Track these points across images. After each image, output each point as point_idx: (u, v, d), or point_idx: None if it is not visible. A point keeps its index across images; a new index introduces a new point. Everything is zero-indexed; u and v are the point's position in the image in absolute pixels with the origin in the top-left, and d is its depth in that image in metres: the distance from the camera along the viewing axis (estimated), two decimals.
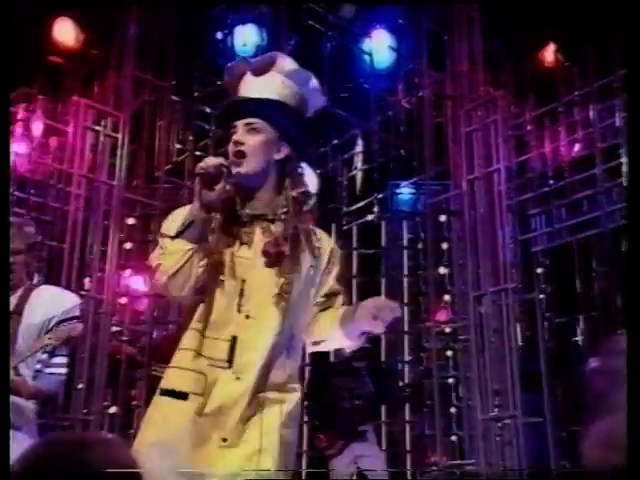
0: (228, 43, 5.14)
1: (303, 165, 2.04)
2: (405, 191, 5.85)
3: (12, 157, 4.30)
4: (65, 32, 4.86)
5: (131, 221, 5.05)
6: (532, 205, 4.99)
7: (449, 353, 5.14)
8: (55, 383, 2.75)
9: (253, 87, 2.00)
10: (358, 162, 5.87)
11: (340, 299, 2.05)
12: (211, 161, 1.86)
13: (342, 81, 5.19)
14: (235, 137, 1.93)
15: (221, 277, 1.86)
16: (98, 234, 4.53)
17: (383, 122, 5.52)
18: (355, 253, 6.07)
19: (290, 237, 1.89)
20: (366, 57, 5.26)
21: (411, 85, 5.37)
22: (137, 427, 4.40)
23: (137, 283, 5.29)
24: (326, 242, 2.05)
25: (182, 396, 1.82)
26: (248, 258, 1.88)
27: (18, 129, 4.55)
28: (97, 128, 4.65)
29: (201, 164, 1.84)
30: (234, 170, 1.89)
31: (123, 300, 4.98)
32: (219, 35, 5.22)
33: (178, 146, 5.40)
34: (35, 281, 3.15)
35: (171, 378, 1.88)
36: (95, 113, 4.67)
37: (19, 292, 2.71)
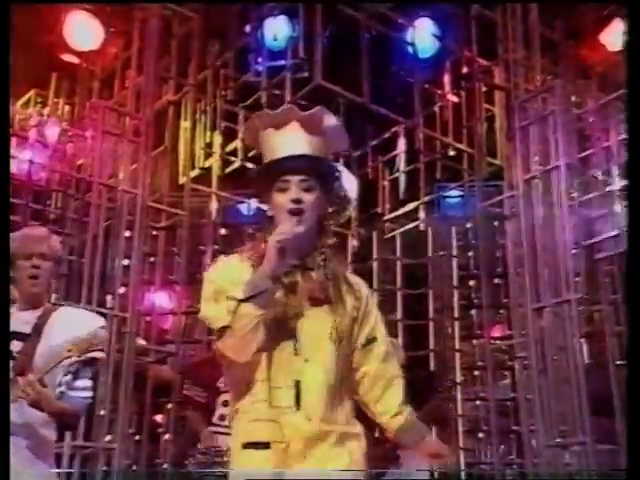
0: (258, 37, 5.16)
1: (341, 168, 2.16)
2: (454, 194, 5.86)
3: (26, 165, 4.34)
4: (80, 28, 4.91)
5: (155, 232, 5.07)
6: (597, 206, 4.86)
7: (506, 373, 5.10)
8: (80, 404, 2.75)
9: (304, 142, 2.16)
10: (401, 163, 5.86)
11: (380, 347, 2.22)
12: (286, 230, 2.03)
13: (382, 74, 5.23)
14: (292, 195, 2.10)
15: (276, 328, 2.06)
16: (120, 247, 4.56)
17: (428, 118, 5.50)
18: (399, 263, 6.06)
19: (332, 280, 2.12)
20: (408, 47, 5.25)
21: (458, 76, 5.38)
22: (163, 455, 4.54)
23: (162, 299, 5.33)
24: (363, 286, 2.26)
25: (265, 446, 2.03)
26: (296, 306, 2.10)
27: (32, 135, 4.58)
28: (117, 132, 4.69)
29: (279, 237, 2.02)
30: (295, 229, 2.07)
31: (148, 318, 5.01)
32: (247, 28, 5.24)
33: (205, 150, 5.45)
34: (53, 299, 3.17)
35: (251, 431, 2.07)
36: (115, 116, 4.74)
37: (38, 312, 2.71)
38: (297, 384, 2.05)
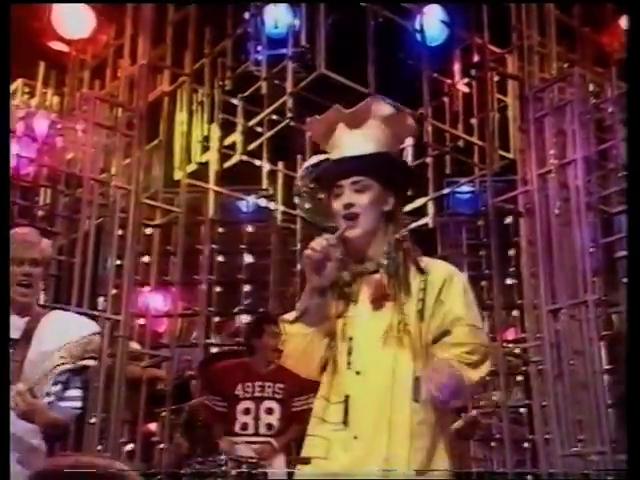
0: (257, 24, 5.14)
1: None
2: (464, 190, 5.83)
3: (13, 160, 4.32)
4: (70, 14, 4.91)
5: (149, 231, 5.07)
6: (616, 202, 4.81)
7: (520, 378, 5.07)
8: (70, 414, 2.76)
9: (353, 142, 2.14)
10: (408, 156, 5.75)
11: (456, 334, 2.06)
12: (317, 245, 2.03)
13: (388, 63, 5.18)
14: (344, 199, 2.10)
15: (334, 342, 2.10)
16: (112, 246, 4.56)
17: (437, 109, 5.46)
18: None
19: (395, 275, 2.07)
20: (416, 34, 5.22)
21: (469, 65, 5.36)
22: (158, 465, 4.54)
23: (157, 301, 5.35)
24: (435, 270, 2.14)
25: (305, 461, 2.09)
26: (355, 316, 2.10)
27: (19, 128, 4.57)
28: (109, 125, 4.69)
29: (308, 251, 2.04)
30: (348, 234, 2.08)
31: (142, 321, 5.02)
32: (246, 15, 5.21)
33: (202, 143, 5.43)
34: (42, 300, 3.17)
35: (305, 447, 2.13)
36: (107, 108, 4.74)
37: (27, 317, 2.69)
38: (346, 399, 2.05)
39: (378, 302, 2.08)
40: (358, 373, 2.05)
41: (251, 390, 3.99)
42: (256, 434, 3.98)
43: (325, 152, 2.24)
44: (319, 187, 2.20)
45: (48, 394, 2.63)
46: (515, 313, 5.25)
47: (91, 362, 2.69)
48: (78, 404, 2.76)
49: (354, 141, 2.14)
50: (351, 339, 2.08)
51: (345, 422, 2.04)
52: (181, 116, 5.23)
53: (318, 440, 2.08)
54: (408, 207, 5.77)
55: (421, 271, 2.10)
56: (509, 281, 5.20)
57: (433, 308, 2.07)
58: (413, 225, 5.85)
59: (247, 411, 3.97)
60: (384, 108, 2.15)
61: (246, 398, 3.98)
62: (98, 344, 2.73)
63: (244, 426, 3.96)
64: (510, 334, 5.33)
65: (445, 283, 2.11)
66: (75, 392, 2.74)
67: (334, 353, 2.10)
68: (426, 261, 2.16)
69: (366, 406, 2.04)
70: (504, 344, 5.03)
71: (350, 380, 2.06)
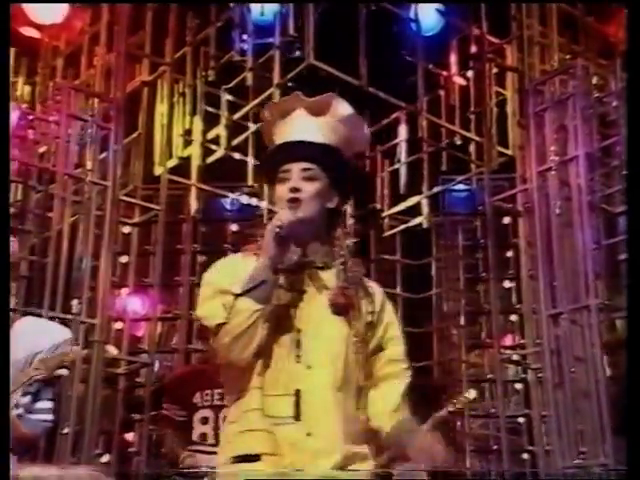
0: (243, 11, 5.10)
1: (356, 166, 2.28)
2: (460, 188, 5.83)
3: None
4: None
5: (127, 229, 5.03)
6: (619, 201, 4.80)
7: (518, 386, 5.06)
8: (40, 428, 2.75)
9: (308, 127, 2.19)
10: (401, 153, 5.81)
11: (389, 353, 2.21)
12: (285, 217, 2.04)
13: (381, 54, 5.17)
14: (291, 183, 2.14)
15: (276, 330, 2.07)
16: (88, 246, 4.52)
17: (432, 103, 5.48)
18: (398, 265, 6.03)
19: (353, 287, 2.13)
20: (410, 24, 5.22)
21: (466, 56, 5.36)
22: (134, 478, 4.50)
23: (135, 304, 5.28)
24: (377, 290, 2.27)
25: (255, 458, 2.02)
26: (299, 307, 2.10)
27: None
28: (85, 117, 4.63)
29: (276, 222, 2.03)
30: (296, 216, 2.09)
31: (119, 325, 4.97)
32: (231, 1, 5.17)
33: (183, 137, 5.38)
34: (12, 304, 3.16)
35: (242, 442, 2.06)
36: (82, 99, 4.67)
37: None
38: (297, 393, 2.03)
39: (341, 305, 2.10)
40: (309, 367, 2.05)
41: (210, 398, 3.93)
42: (216, 444, 3.90)
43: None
44: (268, 171, 2.21)
45: (17, 406, 2.60)
46: (513, 318, 5.24)
47: (64, 371, 2.64)
48: (49, 417, 2.74)
49: (309, 127, 2.19)
50: (299, 331, 2.07)
51: (296, 417, 2.01)
52: (161, 108, 5.18)
53: (262, 435, 2.02)
54: (401, 206, 5.95)
55: (365, 285, 2.19)
56: (507, 284, 5.20)
57: (376, 324, 2.19)
58: (406, 225, 5.96)
59: (205, 420, 3.92)
60: (345, 107, 2.20)
61: (205, 406, 3.92)
62: (77, 356, 2.72)
63: (202, 436, 3.90)
64: (508, 340, 5.32)
65: (384, 304, 2.24)
66: (46, 404, 2.72)
67: (275, 341, 2.06)
68: (365, 279, 2.27)
69: (320, 403, 2.04)
70: (502, 350, 5.02)
71: (300, 374, 2.04)
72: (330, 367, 2.07)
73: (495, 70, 5.24)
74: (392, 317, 2.25)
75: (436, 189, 5.78)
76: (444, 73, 5.53)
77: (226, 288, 2.04)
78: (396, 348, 2.22)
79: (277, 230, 2.00)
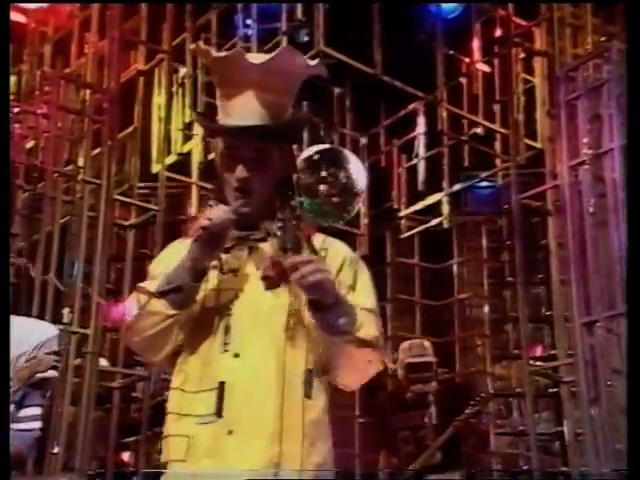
0: None
1: (347, 153, 2.10)
2: (484, 185, 5.85)
3: None
4: None
5: (123, 231, 4.98)
6: None
7: (550, 401, 5.09)
8: (27, 442, 2.71)
9: (256, 108, 2.04)
10: (420, 147, 5.82)
11: (365, 328, 2.00)
12: (216, 216, 1.95)
13: (397, 40, 5.14)
14: (238, 173, 2.04)
15: (204, 318, 1.99)
16: (80, 249, 4.49)
17: (453, 92, 5.45)
18: (417, 268, 6.06)
19: (292, 252, 1.95)
20: (429, 6, 5.22)
21: (490, 40, 5.34)
22: None
23: (131, 313, 5.21)
24: (334, 250, 2.13)
25: (165, 467, 1.97)
26: (233, 288, 2.00)
27: None
28: (76, 109, 4.62)
29: (204, 221, 1.93)
30: (242, 210, 2.03)
31: (114, 335, 5.01)
32: None
33: (183, 132, 5.38)
34: None
35: (164, 449, 2.00)
36: (72, 89, 4.67)
37: None
38: (221, 386, 1.92)
39: (274, 278, 1.95)
40: (237, 356, 1.95)
41: None
42: None
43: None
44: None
45: None
46: (543, 326, 5.24)
47: (51, 373, 2.65)
48: (36, 424, 2.70)
49: (256, 107, 2.03)
50: (230, 315, 1.97)
51: (218, 413, 1.90)
52: (159, 99, 5.13)
53: (175, 440, 1.95)
54: (419, 205, 5.96)
55: (314, 251, 2.01)
56: (536, 290, 5.23)
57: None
58: (425, 226, 5.96)
59: None
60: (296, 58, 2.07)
61: None
62: (49, 362, 2.65)
63: None
64: (538, 351, 5.31)
65: (343, 266, 2.09)
66: (33, 411, 2.68)
67: (202, 330, 1.97)
68: (321, 239, 2.13)
69: (247, 396, 1.92)
70: (531, 362, 4.92)
71: (226, 364, 1.94)
72: (263, 353, 1.95)
73: (522, 55, 5.20)
74: (354, 275, 2.09)
75: (457, 186, 5.77)
76: (466, 59, 5.50)
77: (141, 285, 2.00)
78: (362, 298, 2.05)
79: (199, 233, 1.91)
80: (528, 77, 5.25)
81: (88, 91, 4.67)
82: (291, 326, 1.98)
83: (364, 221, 5.88)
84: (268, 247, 2.03)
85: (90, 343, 4.37)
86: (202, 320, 1.98)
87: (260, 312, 1.98)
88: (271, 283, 1.93)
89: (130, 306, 2.02)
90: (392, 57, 4.95)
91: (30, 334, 2.72)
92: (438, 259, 6.04)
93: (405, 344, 5.19)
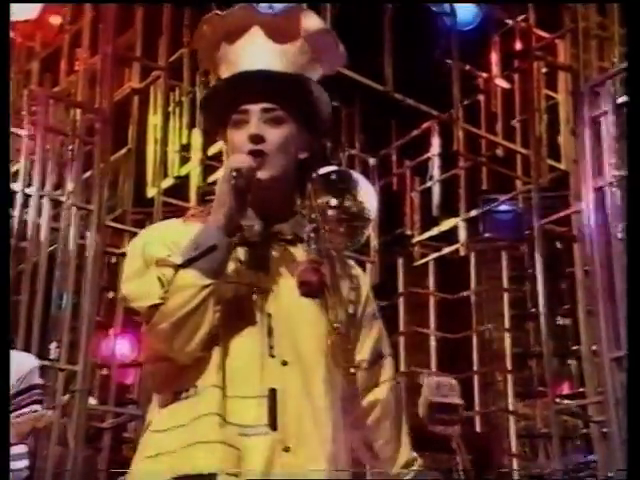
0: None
1: (356, 176, 2.15)
2: (504, 208, 5.78)
3: None
4: None
5: (115, 260, 4.92)
6: None
7: (579, 442, 5.06)
8: None
9: (268, 53, 1.98)
10: (434, 169, 5.78)
11: (387, 370, 2.06)
12: (243, 161, 1.84)
13: (409, 55, 5.13)
14: (251, 129, 1.92)
15: (239, 314, 1.86)
16: (69, 279, 4.44)
17: (470, 110, 5.43)
18: (432, 298, 6.00)
19: (327, 262, 1.93)
20: (444, 17, 5.17)
21: (510, 54, 5.34)
22: None
23: (123, 347, 5.27)
24: (361, 275, 2.10)
25: (210, 479, 1.75)
26: (266, 288, 1.89)
27: None
28: (65, 130, 4.58)
29: (235, 163, 1.83)
30: (257, 173, 1.90)
31: (104, 371, 4.94)
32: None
33: (180, 153, 5.34)
34: None
35: (192, 458, 1.77)
36: (62, 109, 4.64)
37: None
38: (272, 394, 1.79)
39: (313, 284, 1.89)
40: (285, 364, 1.84)
41: None
42: None
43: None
44: (215, 113, 1.96)
45: None
46: (570, 362, 5.24)
47: (36, 407, 2.67)
48: (23, 464, 2.70)
49: (270, 51, 1.95)
50: (270, 316, 1.86)
51: (272, 425, 1.77)
52: (154, 119, 5.10)
53: (221, 448, 1.75)
54: (434, 230, 5.92)
55: (346, 264, 2.00)
56: (562, 321, 5.23)
57: (362, 318, 2.03)
58: (440, 253, 5.92)
59: None
60: (313, 21, 1.98)
61: None
62: (49, 418, 2.73)
63: None
64: (565, 388, 5.33)
65: (369, 294, 2.06)
66: (19, 449, 2.66)
67: (238, 328, 1.83)
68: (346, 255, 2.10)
69: (299, 409, 1.81)
70: (557, 400, 4.89)
71: (275, 370, 1.82)
72: (310, 363, 1.87)
73: (544, 70, 5.18)
74: (381, 324, 2.07)
75: (475, 211, 5.74)
76: (484, 75, 5.48)
77: (162, 257, 1.81)
78: (391, 372, 2.06)
79: (235, 177, 1.78)
80: (551, 93, 5.23)
81: (79, 111, 4.63)
82: (331, 343, 1.89)
83: (374, 248, 5.83)
84: (297, 250, 1.94)
85: (79, 380, 4.30)
86: (238, 314, 1.84)
87: (301, 320, 1.89)
88: (310, 289, 1.88)
89: (143, 288, 1.82)
90: (404, 73, 4.93)
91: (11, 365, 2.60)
92: (454, 289, 5.98)
93: (432, 381, 5.10)
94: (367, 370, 2.01)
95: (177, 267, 1.76)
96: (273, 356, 1.83)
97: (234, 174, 1.78)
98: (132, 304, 1.83)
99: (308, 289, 1.88)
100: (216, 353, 1.82)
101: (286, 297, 1.89)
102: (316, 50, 2.00)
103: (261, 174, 1.87)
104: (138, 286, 1.83)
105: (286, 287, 1.90)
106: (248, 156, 1.84)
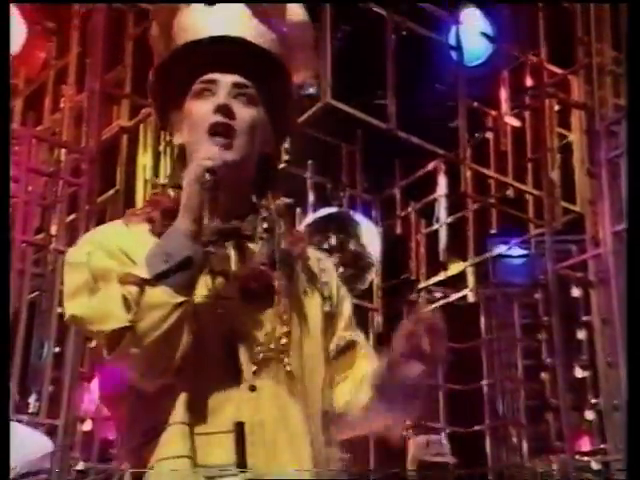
0: None
1: (358, 218, 1.97)
2: (516, 253, 5.74)
3: None
4: None
5: None
6: None
7: None
8: None
9: (242, 21, 1.84)
10: (441, 211, 5.72)
11: (361, 353, 1.96)
12: (215, 153, 1.70)
13: (414, 89, 5.12)
14: (219, 99, 1.78)
15: (201, 332, 1.70)
16: (51, 328, 4.35)
17: (478, 149, 5.36)
18: None
19: (280, 262, 1.81)
20: (450, 51, 5.11)
21: (520, 90, 5.29)
22: None
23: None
24: (331, 269, 2.01)
25: None
26: (230, 297, 1.74)
27: None
28: (49, 171, 4.55)
29: (205, 162, 1.66)
30: (222, 155, 1.73)
31: (87, 426, 4.78)
32: None
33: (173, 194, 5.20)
34: None
35: None
36: (46, 148, 4.63)
37: None
38: (239, 428, 1.67)
39: (255, 290, 1.76)
40: (253, 389, 1.71)
41: None
42: None
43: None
44: (173, 77, 1.81)
45: None
46: (590, 416, 5.03)
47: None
48: None
49: (244, 20, 1.80)
50: (233, 332, 1.73)
51: (241, 464, 1.65)
52: (144, 159, 5.00)
53: None
54: (441, 275, 5.89)
55: (311, 273, 1.89)
56: (580, 374, 5.09)
57: (336, 314, 1.94)
58: (448, 300, 5.84)
59: None
60: (296, 9, 1.92)
61: None
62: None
63: None
64: (584, 443, 5.13)
65: (339, 287, 1.97)
66: None
67: (200, 350, 1.68)
68: (315, 257, 1.99)
69: (272, 441, 1.69)
70: (577, 457, 4.81)
71: (241, 398, 1.70)
72: (281, 388, 1.75)
73: (557, 107, 5.12)
74: (349, 300, 1.99)
75: (485, 255, 5.69)
76: (492, 112, 5.43)
77: (125, 272, 1.65)
78: (366, 352, 1.95)
79: (208, 178, 1.63)
80: (564, 132, 5.18)
81: (63, 151, 4.58)
82: (305, 358, 1.80)
83: (378, 294, 5.79)
84: (257, 247, 1.82)
85: (60, 436, 4.18)
86: (200, 331, 1.68)
87: (267, 333, 1.76)
88: (252, 298, 1.75)
89: (102, 308, 1.67)
90: (408, 109, 4.86)
91: (22, 446, 2.73)
92: (463, 337, 5.78)
93: (422, 439, 4.98)
94: (339, 360, 1.91)
95: (145, 282, 1.61)
96: (239, 382, 1.72)
97: (207, 175, 1.64)
98: (88, 327, 1.67)
99: (250, 297, 1.74)
100: (183, 381, 1.70)
101: (248, 307, 1.76)
102: (293, 45, 1.90)
103: (229, 155, 1.73)
104: (95, 305, 1.67)
105: (248, 295, 1.76)
106: (216, 148, 1.70)
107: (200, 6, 1.84)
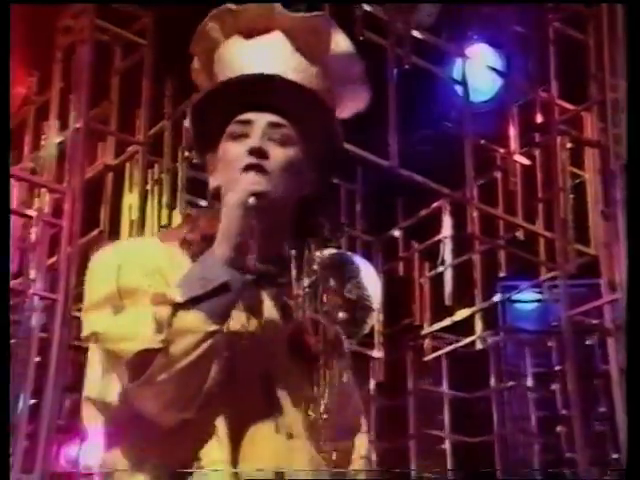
0: None
1: (357, 260, 2.08)
2: (527, 297, 5.71)
3: None
4: None
5: (83, 356, 4.75)
6: None
7: None
8: None
9: (284, 58, 1.86)
10: (446, 252, 5.68)
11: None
12: (257, 180, 1.74)
13: (418, 126, 5.25)
14: (253, 141, 1.79)
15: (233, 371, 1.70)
16: (28, 378, 4.33)
17: (486, 188, 5.36)
18: (446, 398, 5.91)
19: (322, 331, 1.81)
20: (456, 86, 5.14)
21: (530, 127, 5.27)
22: None
23: (87, 454, 4.96)
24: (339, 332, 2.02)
25: None
26: (264, 340, 1.77)
27: None
28: (28, 212, 4.56)
29: (250, 185, 1.71)
30: (257, 189, 1.77)
31: None
32: None
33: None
34: None
35: None
36: (26, 188, 4.68)
37: None
38: (280, 477, 1.69)
39: (300, 349, 1.79)
40: (290, 437, 1.74)
41: None
42: None
43: None
44: (209, 117, 1.81)
45: None
46: (610, 471, 4.84)
47: None
48: None
49: (286, 56, 1.84)
50: (269, 377, 1.75)
51: None
52: (130, 199, 5.02)
53: None
54: (447, 321, 5.83)
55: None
56: (598, 426, 5.00)
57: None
58: (454, 346, 5.79)
59: None
60: (342, 41, 1.92)
61: None
62: None
63: None
64: None
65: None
66: None
67: (234, 390, 1.67)
68: None
69: None
70: None
71: (279, 446, 1.72)
72: (313, 436, 1.77)
73: (569, 145, 5.10)
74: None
75: (493, 299, 5.64)
76: (501, 150, 5.39)
77: (158, 292, 1.64)
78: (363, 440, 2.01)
79: (251, 199, 1.65)
80: (577, 171, 5.16)
81: (44, 190, 4.60)
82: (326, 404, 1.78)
83: (379, 341, 5.77)
84: (299, 304, 1.81)
85: None
86: (232, 369, 1.67)
87: (297, 379, 1.79)
88: (302, 352, 1.78)
89: (128, 327, 1.65)
90: (411, 147, 4.92)
91: None
92: (471, 387, 5.84)
93: None
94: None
95: (178, 306, 1.61)
96: (277, 430, 1.73)
97: (251, 199, 1.65)
98: (111, 345, 1.65)
99: (301, 351, 1.78)
100: (214, 419, 1.68)
101: (279, 351, 1.79)
102: (338, 78, 1.92)
103: (265, 184, 1.75)
104: (122, 324, 1.66)
105: (282, 341, 1.79)
106: (252, 177, 1.71)
107: (239, 39, 1.88)
